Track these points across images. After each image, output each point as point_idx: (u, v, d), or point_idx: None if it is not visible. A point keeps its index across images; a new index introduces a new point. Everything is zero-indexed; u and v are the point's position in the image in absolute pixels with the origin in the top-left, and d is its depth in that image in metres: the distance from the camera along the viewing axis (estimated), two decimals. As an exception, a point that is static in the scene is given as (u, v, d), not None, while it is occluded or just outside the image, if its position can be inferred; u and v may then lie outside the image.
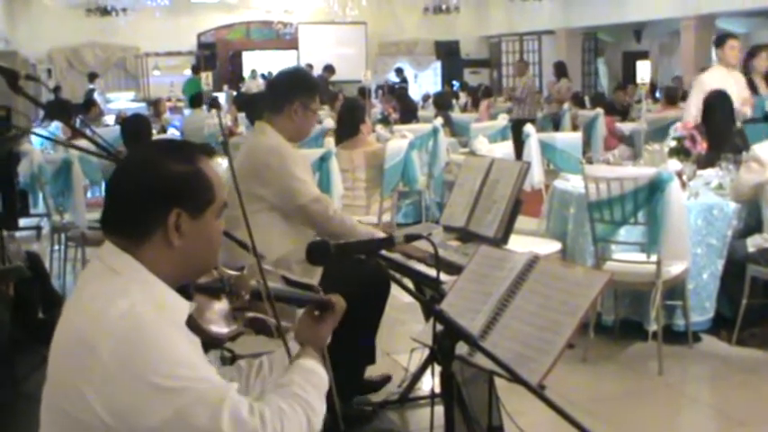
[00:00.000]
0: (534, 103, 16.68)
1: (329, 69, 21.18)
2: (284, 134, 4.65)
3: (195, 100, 15.20)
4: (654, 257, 5.59)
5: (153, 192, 2.12)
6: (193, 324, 2.22)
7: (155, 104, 16.46)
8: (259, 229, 4.32)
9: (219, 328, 2.40)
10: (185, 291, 2.24)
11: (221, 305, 2.48)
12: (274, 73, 19.28)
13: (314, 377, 2.35)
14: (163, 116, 16.02)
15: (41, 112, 13.74)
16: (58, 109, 9.77)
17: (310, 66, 23.62)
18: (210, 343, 2.36)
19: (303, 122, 4.72)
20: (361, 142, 7.99)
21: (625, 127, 13.49)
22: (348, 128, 8.07)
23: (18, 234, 9.22)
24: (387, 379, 5.27)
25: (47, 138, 6.94)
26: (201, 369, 2.05)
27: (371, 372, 5.17)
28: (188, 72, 23.36)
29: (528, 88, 16.42)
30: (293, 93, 4.68)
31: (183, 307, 2.18)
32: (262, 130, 4.71)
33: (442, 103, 16.07)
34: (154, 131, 10.35)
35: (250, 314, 2.54)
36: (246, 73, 26.71)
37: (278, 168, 4.48)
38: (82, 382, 1.95)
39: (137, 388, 1.93)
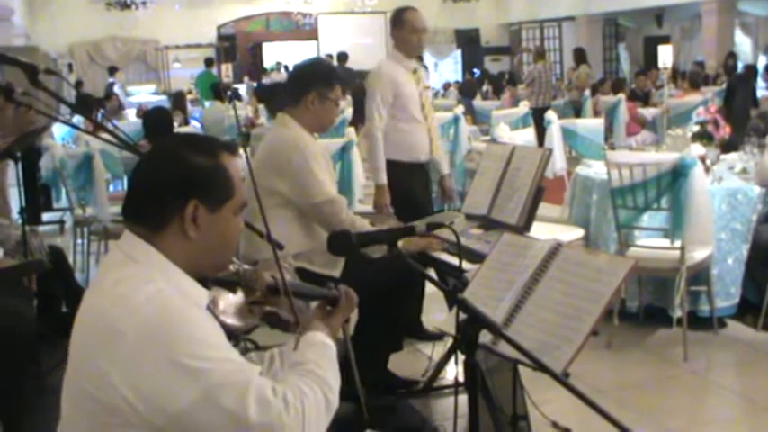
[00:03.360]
0: (550, 91, 16.56)
1: (342, 58, 21.15)
2: (305, 126, 4.64)
3: (215, 92, 15.19)
4: (678, 243, 5.56)
5: (172, 181, 2.14)
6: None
7: (176, 97, 16.46)
8: (276, 223, 4.33)
9: (234, 321, 2.41)
10: (202, 283, 2.24)
11: (237, 298, 2.49)
12: (292, 64, 19.29)
13: (326, 350, 2.38)
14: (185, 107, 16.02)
15: (61, 107, 13.79)
16: (80, 104, 9.82)
17: (330, 56, 23.61)
18: (226, 335, 2.36)
19: (322, 113, 4.69)
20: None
21: (647, 112, 13.44)
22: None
23: (41, 228, 9.31)
24: (413, 383, 5.24)
25: (76, 127, 6.98)
26: (227, 350, 2.07)
27: (396, 363, 5.16)
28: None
29: (539, 75, 16.27)
30: (309, 83, 4.66)
31: (203, 295, 2.20)
32: (283, 122, 4.69)
33: (467, 90, 16.01)
34: (176, 124, 10.37)
35: (265, 308, 2.54)
36: (268, 64, 26.73)
37: (298, 164, 4.46)
38: (108, 365, 1.96)
39: (164, 369, 1.94)
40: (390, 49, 6.51)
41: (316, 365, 2.27)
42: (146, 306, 1.98)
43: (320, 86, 4.64)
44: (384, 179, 5.90)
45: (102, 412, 1.98)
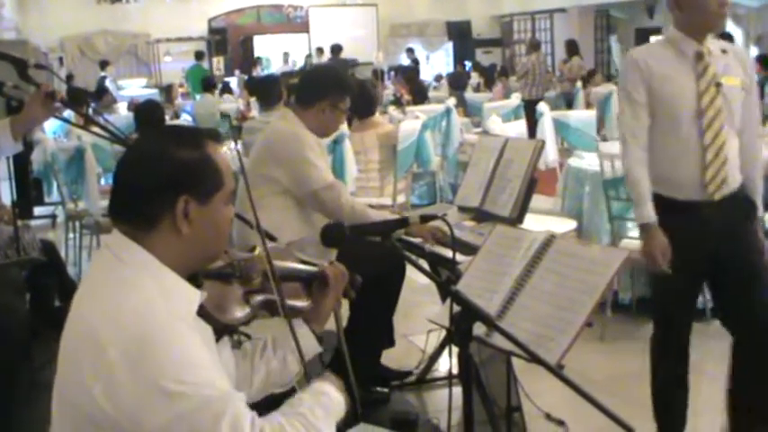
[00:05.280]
0: (543, 82, 16.60)
1: (337, 49, 21.14)
2: (309, 128, 4.66)
3: (206, 84, 15.18)
4: (670, 235, 5.56)
5: (160, 179, 2.09)
6: (204, 313, 2.20)
7: (167, 91, 16.44)
8: (273, 211, 4.36)
9: (231, 315, 2.38)
10: (195, 278, 2.22)
11: (233, 290, 2.46)
12: (291, 54, 19.07)
13: (325, 398, 2.32)
14: (175, 102, 16.01)
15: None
16: (71, 97, 9.78)
17: (320, 50, 23.62)
18: (223, 330, 2.34)
19: (330, 120, 4.74)
20: (372, 124, 7.96)
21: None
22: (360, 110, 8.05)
23: (33, 222, 9.28)
24: (406, 374, 5.26)
25: (67, 121, 6.92)
26: (209, 374, 2.02)
27: (390, 356, 5.17)
28: (200, 58, 23.39)
29: (532, 67, 16.32)
30: (325, 90, 4.70)
31: (194, 297, 2.16)
32: (284, 116, 4.75)
33: (456, 82, 16.01)
34: (166, 117, 10.35)
35: (261, 297, 2.52)
36: (263, 54, 26.69)
37: (294, 152, 4.49)
38: (90, 377, 1.93)
39: (143, 388, 1.91)
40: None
41: (308, 410, 2.22)
42: (131, 322, 1.94)
43: (334, 95, 4.68)
44: (649, 215, 3.93)
45: (84, 421, 1.97)
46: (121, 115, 13.34)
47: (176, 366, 1.95)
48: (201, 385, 1.97)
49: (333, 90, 4.70)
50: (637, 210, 3.99)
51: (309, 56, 24.51)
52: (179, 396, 1.93)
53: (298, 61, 25.33)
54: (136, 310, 1.97)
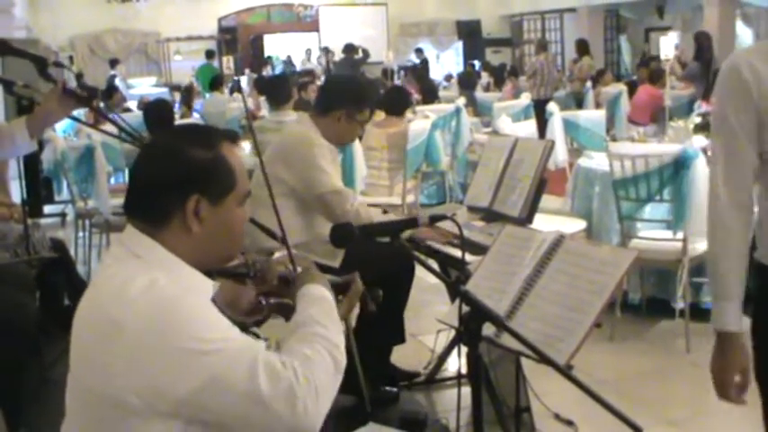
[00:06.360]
0: (552, 82, 16.55)
1: (350, 49, 21.11)
2: (324, 135, 4.68)
3: (214, 83, 15.17)
4: (680, 234, 5.56)
5: (172, 177, 2.11)
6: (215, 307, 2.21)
7: (186, 91, 16.37)
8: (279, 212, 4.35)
9: (242, 313, 2.38)
10: (208, 275, 2.23)
11: (246, 290, 2.46)
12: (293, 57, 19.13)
13: (326, 304, 2.33)
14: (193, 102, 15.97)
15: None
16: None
17: (327, 49, 23.63)
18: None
19: (345, 130, 4.76)
20: (382, 123, 7.97)
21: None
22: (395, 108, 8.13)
23: (43, 221, 9.31)
24: (415, 374, 5.26)
25: (78, 120, 6.88)
26: (228, 329, 2.04)
27: (399, 355, 5.16)
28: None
29: (540, 67, 16.29)
30: (342, 99, 4.73)
31: (207, 285, 2.19)
32: (301, 120, 4.81)
33: (466, 82, 16.01)
34: (178, 116, 10.34)
35: (275, 300, 2.52)
36: (272, 53, 26.78)
37: (304, 155, 4.51)
38: (108, 358, 1.94)
39: (168, 356, 1.92)
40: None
41: (319, 325, 2.22)
42: (142, 296, 1.96)
43: (351, 106, 4.70)
44: (728, 320, 2.86)
45: (105, 406, 1.97)
46: (132, 114, 13.34)
47: (196, 327, 1.96)
48: (227, 340, 1.99)
49: (350, 101, 4.72)
50: (714, 304, 2.82)
51: (328, 51, 24.46)
52: (208, 354, 1.94)
53: (309, 61, 25.41)
54: (145, 288, 1.98)
